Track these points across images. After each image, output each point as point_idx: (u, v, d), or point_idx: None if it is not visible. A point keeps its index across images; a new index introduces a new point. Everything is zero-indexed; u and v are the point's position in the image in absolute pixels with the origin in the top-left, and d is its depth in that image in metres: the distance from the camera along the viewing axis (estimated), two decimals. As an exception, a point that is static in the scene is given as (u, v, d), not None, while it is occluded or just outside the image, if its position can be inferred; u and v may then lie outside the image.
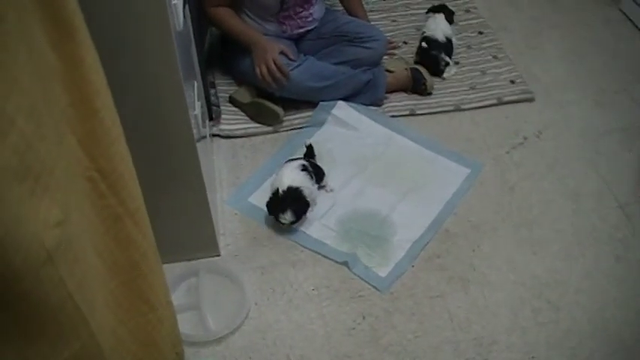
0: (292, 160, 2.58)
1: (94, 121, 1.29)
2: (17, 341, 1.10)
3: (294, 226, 2.48)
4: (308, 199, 2.46)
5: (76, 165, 1.27)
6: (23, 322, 1.10)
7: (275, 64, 2.75)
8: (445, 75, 3.20)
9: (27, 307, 1.09)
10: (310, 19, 2.99)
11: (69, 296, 1.19)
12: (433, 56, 3.18)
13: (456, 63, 3.27)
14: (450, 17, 3.32)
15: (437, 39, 3.20)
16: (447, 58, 3.19)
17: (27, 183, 1.01)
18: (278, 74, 2.76)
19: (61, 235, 1.12)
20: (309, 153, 2.69)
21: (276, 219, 2.44)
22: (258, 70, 2.78)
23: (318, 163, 2.64)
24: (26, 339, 1.12)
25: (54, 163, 1.11)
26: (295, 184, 2.44)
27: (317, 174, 2.57)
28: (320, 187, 2.61)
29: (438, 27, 3.24)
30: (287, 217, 2.40)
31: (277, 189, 2.44)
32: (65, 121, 1.21)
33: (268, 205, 2.47)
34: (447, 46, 3.22)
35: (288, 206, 2.40)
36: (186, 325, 2.15)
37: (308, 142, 2.71)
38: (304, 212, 2.48)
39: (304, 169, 2.50)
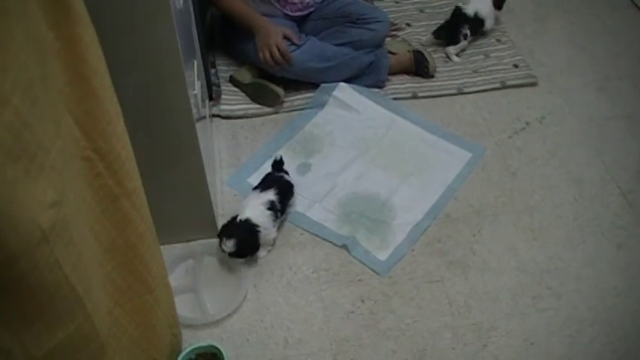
0: (264, 188, 2.39)
1: (92, 101, 1.27)
2: (13, 322, 1.09)
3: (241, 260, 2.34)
4: (260, 242, 2.30)
5: (72, 145, 1.25)
6: (18, 304, 1.08)
7: (279, 49, 2.73)
8: (455, 49, 3.19)
9: (22, 289, 1.07)
10: (311, 2, 2.95)
11: (65, 278, 1.17)
12: (455, 23, 3.18)
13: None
14: (498, 3, 3.30)
15: (466, 12, 3.19)
16: (468, 32, 3.17)
17: (22, 162, 0.99)
18: (281, 59, 2.74)
19: (56, 216, 1.10)
20: (277, 166, 2.53)
21: (219, 243, 2.28)
22: (261, 55, 2.76)
23: (288, 177, 2.50)
24: (21, 320, 1.11)
25: (50, 143, 1.09)
26: (256, 220, 2.28)
27: (284, 202, 2.42)
28: (286, 209, 2.47)
29: (477, 4, 3.23)
30: (228, 245, 2.23)
31: (237, 215, 2.31)
32: (62, 100, 1.19)
33: (223, 225, 2.32)
34: (474, 23, 3.20)
35: (235, 237, 2.24)
36: (183, 307, 2.13)
37: (279, 156, 2.54)
38: (250, 252, 2.31)
39: (271, 207, 2.33)
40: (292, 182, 2.49)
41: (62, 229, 1.14)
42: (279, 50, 2.73)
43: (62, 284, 1.18)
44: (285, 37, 2.77)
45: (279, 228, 2.40)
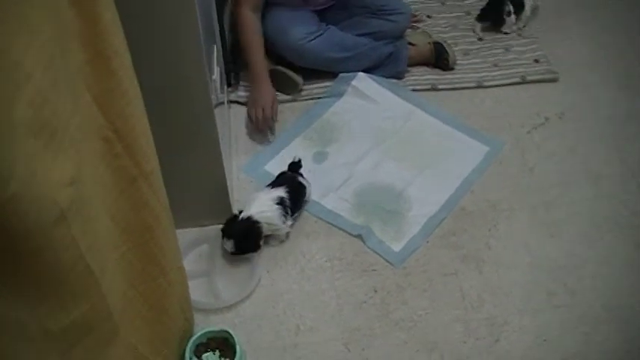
0: (275, 185, 2.38)
1: (112, 81, 1.27)
2: (28, 296, 1.09)
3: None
4: (261, 242, 2.30)
5: (91, 124, 1.25)
6: (34, 279, 1.09)
7: (264, 113, 2.68)
8: (506, 28, 3.23)
9: (38, 264, 1.08)
10: None
11: (80, 257, 1.18)
12: (497, 3, 3.21)
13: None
14: None
15: None
16: (511, 8, 3.18)
17: (42, 138, 0.99)
18: (263, 123, 2.70)
19: (74, 194, 1.10)
20: (294, 167, 2.51)
21: (222, 239, 2.30)
22: (251, 111, 2.72)
23: (302, 179, 2.46)
24: (37, 295, 1.12)
25: (69, 120, 1.09)
26: (261, 217, 2.26)
27: (297, 200, 2.39)
28: (301, 206, 2.45)
29: None
30: (228, 245, 2.26)
31: (241, 211, 2.29)
32: (82, 78, 1.19)
33: (226, 221, 2.31)
34: (515, 2, 3.21)
35: (234, 237, 2.25)
36: (196, 291, 2.13)
37: (297, 158, 2.52)
38: (250, 251, 2.30)
39: (280, 203, 2.31)
40: (306, 184, 2.45)
41: (80, 208, 1.14)
42: (264, 115, 2.68)
43: (78, 263, 1.18)
44: (272, 106, 2.72)
45: (292, 225, 2.38)
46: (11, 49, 0.90)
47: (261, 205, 2.29)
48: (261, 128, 2.71)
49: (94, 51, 1.20)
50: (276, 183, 2.40)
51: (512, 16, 3.20)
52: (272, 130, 2.74)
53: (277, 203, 2.30)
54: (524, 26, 3.27)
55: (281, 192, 2.33)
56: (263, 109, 2.68)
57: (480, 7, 3.30)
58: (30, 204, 0.98)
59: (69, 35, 1.12)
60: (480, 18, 3.27)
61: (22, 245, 1.01)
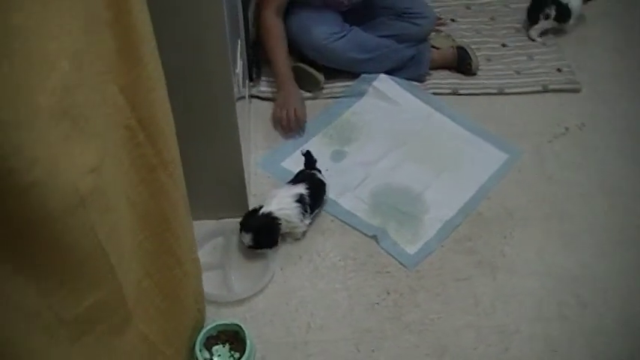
0: (295, 182, 2.38)
1: (138, 70, 1.28)
2: (43, 283, 1.10)
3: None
4: (277, 239, 2.30)
5: (115, 112, 1.26)
6: (50, 265, 1.09)
7: (296, 113, 2.72)
8: (536, 31, 3.25)
9: (55, 251, 1.08)
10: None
11: (98, 244, 1.18)
12: (539, 3, 3.22)
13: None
14: None
15: None
16: (553, 12, 3.19)
17: (65, 126, 1.00)
18: (294, 124, 2.72)
19: (95, 182, 1.11)
20: (308, 162, 2.50)
21: (240, 232, 2.30)
22: (278, 111, 2.75)
23: (321, 176, 2.46)
24: (52, 282, 1.12)
25: (93, 108, 1.10)
26: (280, 214, 2.26)
27: (316, 198, 2.39)
28: (320, 204, 2.45)
29: None
30: (247, 238, 2.26)
31: (262, 206, 2.29)
32: (109, 67, 1.20)
33: (245, 214, 2.32)
34: (561, 9, 3.20)
35: (253, 231, 2.25)
36: (209, 283, 2.13)
37: (304, 150, 2.53)
38: (267, 246, 2.30)
39: (300, 200, 2.31)
40: (325, 181, 2.45)
41: (100, 196, 1.14)
42: (295, 115, 2.71)
43: (95, 250, 1.19)
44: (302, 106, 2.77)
45: (310, 224, 2.38)
46: (40, 35, 0.91)
47: (281, 203, 2.29)
48: (292, 128, 2.72)
49: (123, 41, 1.21)
50: (296, 180, 2.40)
51: (546, 22, 3.20)
52: (303, 129, 2.76)
53: (296, 201, 2.29)
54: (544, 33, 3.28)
55: (301, 189, 2.33)
56: (295, 110, 2.70)
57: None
58: (51, 190, 0.98)
59: (99, 24, 1.13)
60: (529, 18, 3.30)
61: (41, 231, 1.02)
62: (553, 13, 3.18)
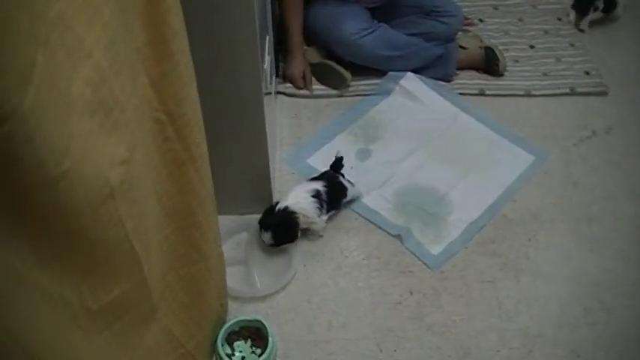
0: (313, 179, 2.39)
1: (169, 63, 1.28)
2: (73, 273, 1.10)
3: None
4: (297, 232, 2.29)
5: (146, 105, 1.26)
6: (79, 256, 1.09)
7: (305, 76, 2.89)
8: (583, 24, 3.27)
9: (84, 241, 1.08)
10: None
11: (126, 236, 1.19)
12: None
13: (531, 48, 3.21)
14: None
15: None
16: (601, 4, 3.21)
17: (97, 117, 1.00)
18: (302, 81, 2.89)
19: (124, 174, 1.11)
20: (335, 166, 2.48)
21: (259, 231, 2.30)
22: (289, 71, 2.88)
23: (343, 180, 2.43)
24: (80, 272, 1.12)
25: (125, 101, 1.10)
26: (297, 207, 2.26)
27: (334, 198, 2.37)
28: (339, 205, 2.43)
29: None
30: (266, 237, 2.26)
31: (278, 202, 2.28)
32: (140, 59, 1.20)
33: (263, 213, 2.31)
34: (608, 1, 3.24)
35: (272, 229, 2.26)
36: (232, 278, 2.13)
37: (339, 154, 2.50)
38: (288, 241, 2.30)
39: (316, 195, 2.30)
40: (347, 185, 2.42)
41: (129, 188, 1.15)
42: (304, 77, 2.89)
43: (123, 242, 1.19)
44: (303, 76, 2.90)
45: (326, 221, 2.37)
46: (75, 25, 0.91)
47: (297, 197, 2.29)
48: (296, 81, 2.90)
49: (154, 33, 1.21)
50: (315, 178, 2.40)
51: (595, 13, 3.22)
52: (310, 89, 2.90)
53: (312, 196, 2.29)
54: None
55: (318, 185, 2.33)
56: (296, 71, 2.86)
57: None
58: (82, 181, 0.98)
59: (131, 16, 1.13)
60: (575, 6, 3.32)
61: (71, 222, 1.02)
62: (601, 5, 3.19)
